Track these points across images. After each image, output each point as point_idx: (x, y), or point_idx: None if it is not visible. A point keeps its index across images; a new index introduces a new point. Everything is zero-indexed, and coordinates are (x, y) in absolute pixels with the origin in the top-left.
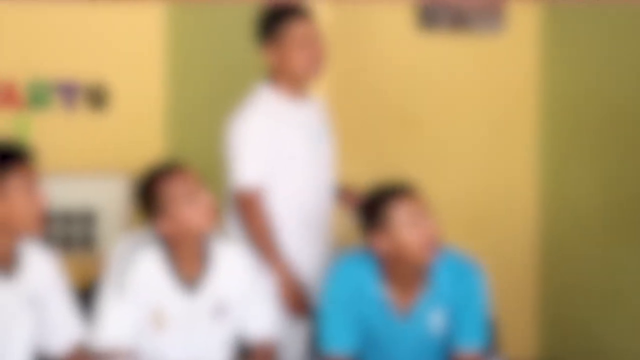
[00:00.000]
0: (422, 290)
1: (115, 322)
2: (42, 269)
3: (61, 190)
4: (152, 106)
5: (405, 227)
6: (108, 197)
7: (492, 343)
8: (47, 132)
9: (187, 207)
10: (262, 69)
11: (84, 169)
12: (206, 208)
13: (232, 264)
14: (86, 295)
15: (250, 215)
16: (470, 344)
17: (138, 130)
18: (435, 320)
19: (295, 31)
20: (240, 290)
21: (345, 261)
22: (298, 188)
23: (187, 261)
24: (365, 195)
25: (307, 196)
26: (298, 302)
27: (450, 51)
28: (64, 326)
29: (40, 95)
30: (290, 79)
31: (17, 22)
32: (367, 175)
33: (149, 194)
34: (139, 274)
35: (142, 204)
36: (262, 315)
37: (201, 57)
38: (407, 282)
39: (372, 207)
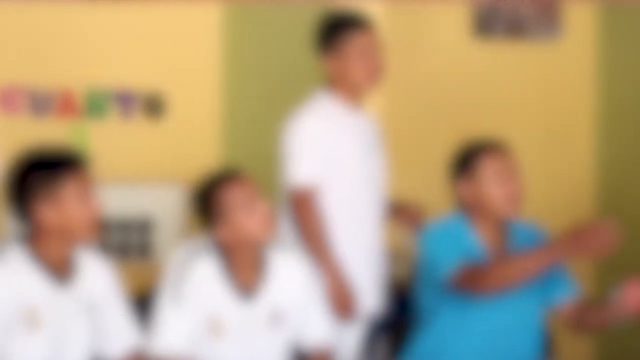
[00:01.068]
0: (505, 245)
1: (172, 330)
2: (98, 275)
3: (118, 199)
4: (208, 115)
5: (491, 179)
6: (165, 206)
7: (547, 347)
8: (104, 141)
9: (245, 215)
10: (320, 75)
11: (140, 177)
12: (264, 217)
13: (288, 272)
14: (143, 303)
15: (303, 213)
16: (567, 293)
17: (194, 138)
18: None
19: (355, 41)
20: (297, 298)
21: (439, 218)
22: (349, 194)
23: (244, 269)
24: (458, 148)
25: (357, 203)
26: (346, 303)
27: (506, 58)
28: (121, 332)
29: (97, 104)
30: (348, 89)
31: (74, 31)
32: (423, 183)
33: (208, 201)
34: (196, 281)
35: (200, 210)
36: (318, 323)
37: (258, 65)
38: (491, 235)
39: (463, 156)
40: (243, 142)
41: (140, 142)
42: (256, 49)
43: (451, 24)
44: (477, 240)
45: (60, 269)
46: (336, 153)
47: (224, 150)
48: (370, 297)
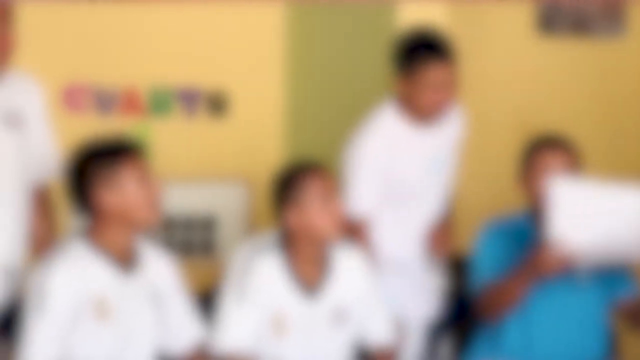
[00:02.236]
0: None
1: (236, 327)
2: (161, 269)
3: (181, 197)
4: (271, 113)
5: (546, 176)
6: (228, 203)
7: (611, 348)
8: (167, 139)
9: (322, 208)
10: (384, 75)
11: (204, 175)
12: (338, 216)
13: (351, 270)
14: (206, 300)
15: (356, 242)
16: (629, 290)
17: (257, 136)
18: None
19: (431, 73)
20: (359, 295)
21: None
22: (408, 217)
23: (308, 266)
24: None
25: (417, 225)
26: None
27: (570, 56)
28: (184, 327)
29: (161, 102)
30: (416, 113)
31: (139, 30)
32: (489, 182)
33: (287, 188)
34: (260, 278)
35: (276, 197)
36: (381, 321)
37: (320, 63)
38: None
39: (525, 153)
40: (305, 140)
41: (203, 140)
42: (319, 47)
43: (515, 22)
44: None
45: (123, 260)
46: (396, 177)
47: (286, 148)
48: (426, 306)
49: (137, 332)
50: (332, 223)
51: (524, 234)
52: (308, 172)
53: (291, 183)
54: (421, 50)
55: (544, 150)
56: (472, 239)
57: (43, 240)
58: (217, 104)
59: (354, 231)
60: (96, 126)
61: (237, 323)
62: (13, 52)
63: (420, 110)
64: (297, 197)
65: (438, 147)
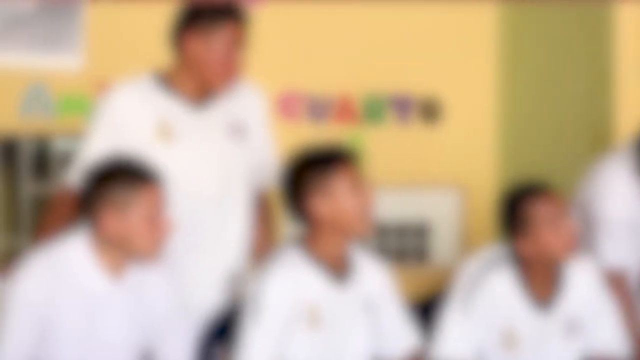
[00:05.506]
0: None
1: (458, 338)
2: (374, 276)
3: (395, 203)
4: (484, 119)
5: None
6: (441, 211)
7: None
8: (381, 146)
9: (552, 233)
10: (601, 76)
11: (417, 182)
12: (569, 236)
13: (583, 281)
14: (419, 308)
15: (619, 294)
16: None
17: (470, 143)
18: None
19: None
20: (591, 307)
21: None
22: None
23: (541, 281)
24: None
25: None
26: None
27: None
28: (399, 334)
29: (375, 110)
30: None
31: (351, 37)
32: None
33: (514, 212)
34: (491, 292)
35: (504, 219)
36: (612, 332)
37: (535, 66)
38: None
39: None
40: (520, 146)
41: (417, 146)
42: (533, 50)
43: None
44: None
45: (337, 268)
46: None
47: (501, 154)
48: None
49: (350, 341)
50: (565, 244)
51: None
52: (535, 196)
53: (518, 208)
54: None
55: None
56: None
57: (262, 247)
58: (430, 110)
59: (614, 282)
60: (310, 134)
61: (459, 334)
62: (241, 73)
63: None
64: (525, 223)
65: None
